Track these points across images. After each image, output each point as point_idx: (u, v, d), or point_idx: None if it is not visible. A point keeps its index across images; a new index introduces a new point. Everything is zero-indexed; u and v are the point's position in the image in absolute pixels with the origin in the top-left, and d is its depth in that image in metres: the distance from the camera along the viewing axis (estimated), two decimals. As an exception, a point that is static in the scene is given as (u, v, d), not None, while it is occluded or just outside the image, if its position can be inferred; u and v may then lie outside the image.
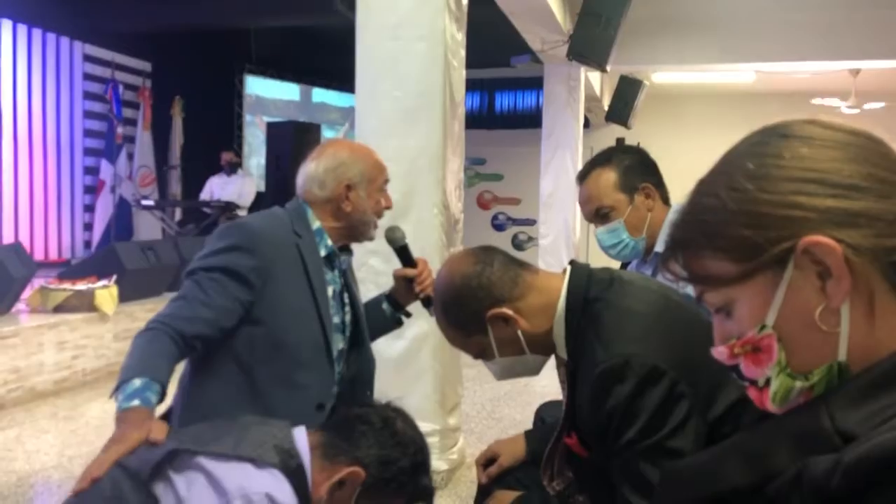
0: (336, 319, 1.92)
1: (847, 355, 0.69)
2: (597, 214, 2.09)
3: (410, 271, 2.04)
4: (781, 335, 0.71)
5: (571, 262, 1.53)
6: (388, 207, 1.99)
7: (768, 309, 0.72)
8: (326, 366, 1.85)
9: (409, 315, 2.17)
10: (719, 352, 0.77)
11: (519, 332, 1.45)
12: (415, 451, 1.44)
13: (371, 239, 2.00)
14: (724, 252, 0.73)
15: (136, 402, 1.49)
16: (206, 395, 1.77)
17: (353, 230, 1.95)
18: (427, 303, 2.04)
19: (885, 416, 0.63)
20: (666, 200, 2.11)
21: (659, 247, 2.04)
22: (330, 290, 1.91)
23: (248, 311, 1.74)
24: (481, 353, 1.52)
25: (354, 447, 1.39)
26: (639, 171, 2.09)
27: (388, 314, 2.12)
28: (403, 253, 2.06)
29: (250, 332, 1.76)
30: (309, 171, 1.93)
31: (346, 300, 1.98)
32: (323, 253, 1.89)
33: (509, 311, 1.44)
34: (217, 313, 1.68)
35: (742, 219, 0.72)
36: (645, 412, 1.28)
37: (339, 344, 1.92)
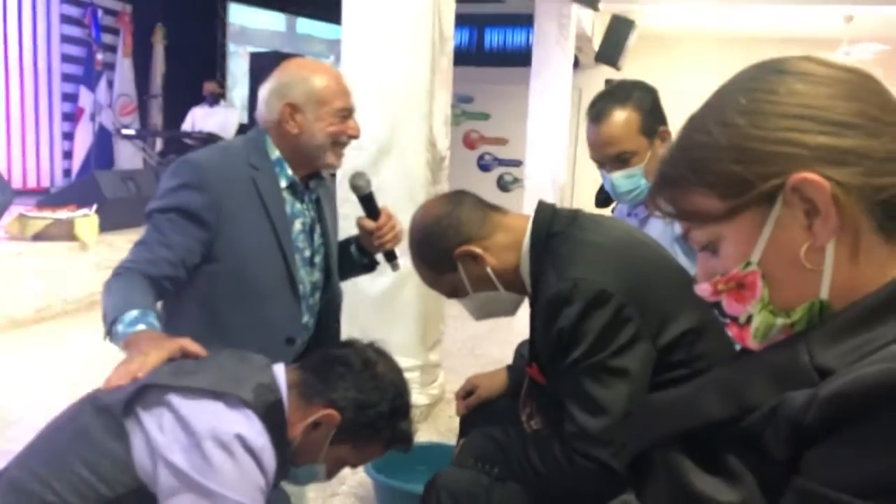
0: (307, 252, 1.88)
1: (829, 293, 0.70)
2: (616, 159, 1.93)
3: (370, 224, 1.92)
4: (765, 272, 0.72)
5: (539, 203, 1.57)
6: (353, 136, 1.84)
7: (754, 246, 0.72)
8: (292, 299, 1.81)
9: (375, 263, 2.08)
10: (702, 288, 0.78)
11: (488, 269, 1.51)
12: (394, 395, 1.41)
13: (331, 168, 1.88)
14: (712, 188, 0.73)
15: (141, 326, 1.45)
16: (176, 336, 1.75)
17: (306, 156, 1.82)
18: (389, 257, 1.97)
19: (863, 353, 0.64)
20: None
21: None
22: (298, 223, 1.85)
23: (207, 250, 1.70)
24: (454, 292, 1.59)
25: (331, 389, 1.37)
26: (657, 112, 1.96)
27: (355, 257, 2.05)
28: (367, 202, 1.93)
29: (212, 270, 1.72)
30: (260, 94, 1.84)
31: (319, 232, 1.92)
32: (284, 184, 1.82)
33: (477, 249, 1.50)
34: (178, 252, 1.65)
35: (732, 154, 0.71)
36: (591, 333, 1.33)
37: (312, 276, 1.89)
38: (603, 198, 5.42)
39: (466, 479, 1.47)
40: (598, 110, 1.95)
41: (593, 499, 1.29)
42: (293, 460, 1.39)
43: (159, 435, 1.22)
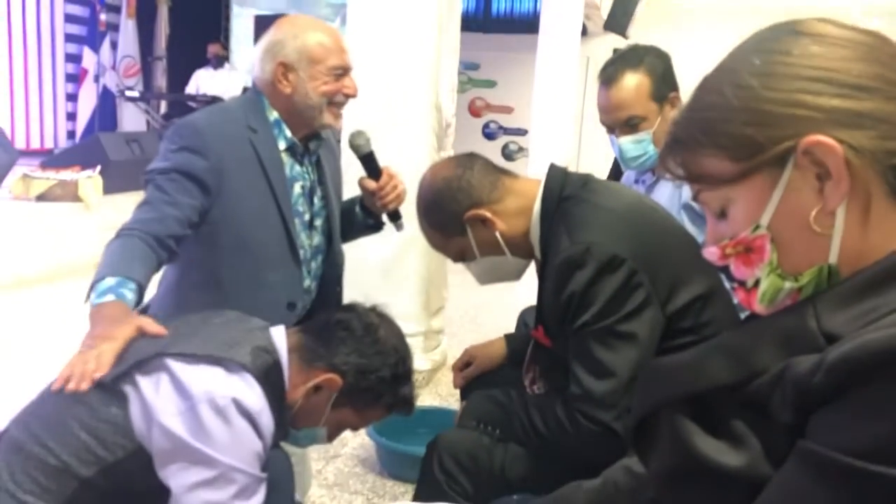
0: (307, 216, 1.85)
1: (838, 258, 0.69)
2: (626, 124, 1.91)
3: (371, 184, 1.86)
4: (774, 236, 0.71)
5: (550, 166, 1.55)
6: (350, 95, 1.79)
7: (764, 209, 0.71)
8: (292, 263, 1.79)
9: (381, 224, 2.01)
10: (710, 252, 0.77)
11: (497, 234, 1.50)
12: (396, 360, 1.40)
13: (328, 128, 1.83)
14: (723, 150, 0.72)
15: (110, 297, 1.41)
16: (178, 303, 1.73)
17: (301, 117, 1.77)
18: (393, 217, 1.92)
19: (870, 318, 0.64)
20: None
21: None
22: (298, 186, 1.82)
23: (207, 212, 1.68)
24: (461, 256, 1.57)
25: (333, 353, 1.36)
26: (669, 78, 1.94)
27: (360, 218, 2.01)
28: (368, 162, 1.87)
29: (212, 233, 1.70)
30: (254, 53, 1.80)
31: (319, 194, 1.89)
32: (283, 146, 1.78)
33: (487, 213, 1.49)
34: (183, 210, 1.62)
35: (745, 116, 0.70)
36: (602, 297, 1.33)
37: (313, 240, 1.87)
38: (615, 172, 5.38)
39: (468, 441, 1.48)
40: (610, 74, 1.93)
41: (594, 462, 1.30)
42: (294, 423, 1.39)
43: (156, 398, 1.22)
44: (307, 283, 1.87)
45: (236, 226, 1.71)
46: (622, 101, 1.90)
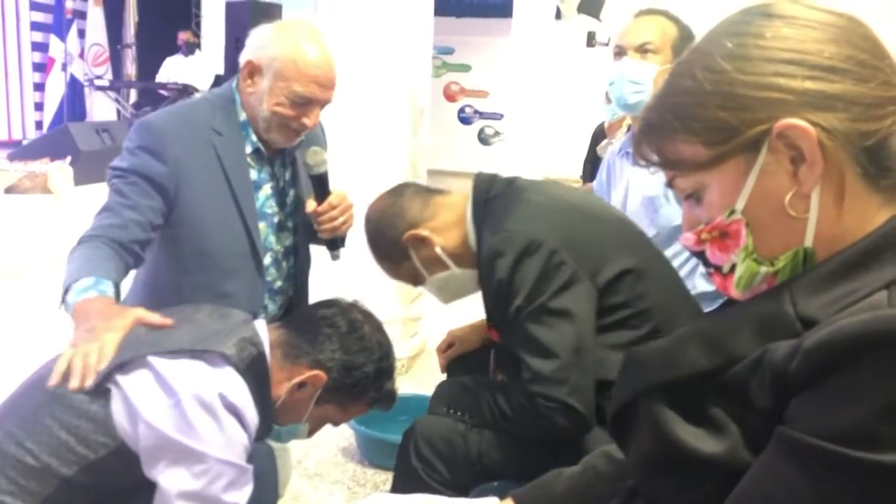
0: (277, 217, 1.78)
1: (813, 241, 0.69)
2: (639, 48, 1.89)
3: (311, 205, 1.71)
4: (750, 220, 0.71)
5: (476, 174, 1.61)
6: (304, 128, 1.66)
7: (739, 194, 0.71)
8: (254, 273, 1.72)
9: (338, 247, 1.79)
10: (686, 238, 0.77)
11: (438, 250, 1.56)
12: (380, 356, 1.41)
13: (276, 144, 1.71)
14: (697, 135, 0.71)
15: (92, 293, 1.38)
16: (146, 306, 1.67)
17: (257, 122, 1.68)
18: (330, 245, 1.77)
19: (846, 303, 0.64)
20: None
21: None
22: (268, 188, 1.76)
23: (169, 215, 1.63)
24: (415, 280, 1.64)
25: (318, 350, 1.36)
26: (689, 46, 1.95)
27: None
28: (316, 182, 1.71)
29: (174, 238, 1.65)
30: (253, 33, 1.71)
31: (293, 195, 1.81)
32: (249, 149, 1.71)
33: (423, 232, 1.55)
34: (144, 213, 1.57)
35: (718, 100, 0.70)
36: (528, 280, 1.38)
37: (284, 241, 1.81)
38: (590, 170, 5.39)
39: (443, 427, 1.49)
40: (645, 11, 1.95)
41: (563, 440, 1.37)
42: (276, 419, 1.39)
43: (139, 396, 1.20)
44: (280, 283, 1.83)
45: (196, 232, 1.65)
46: (646, 29, 1.91)
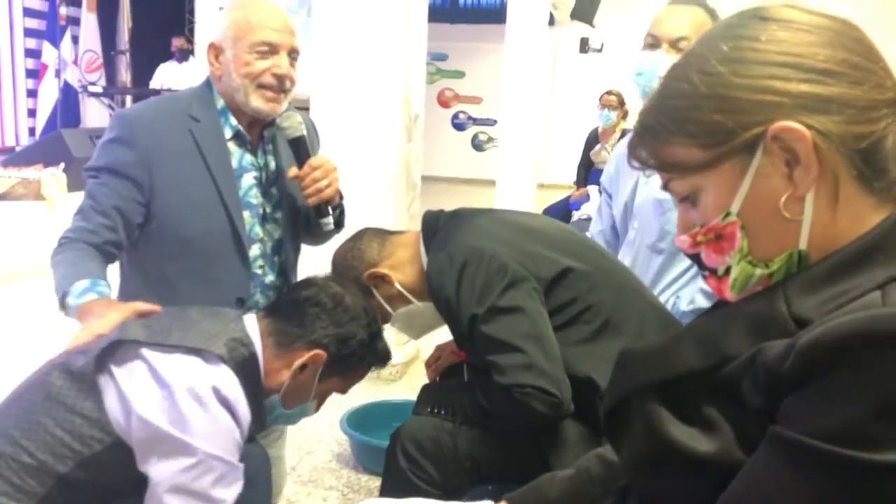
0: (262, 208, 1.76)
1: (808, 243, 0.70)
2: (674, 43, 1.78)
3: (293, 172, 1.70)
4: (745, 223, 0.71)
5: (425, 212, 1.69)
6: (278, 76, 1.63)
7: (734, 197, 0.71)
8: (238, 258, 1.70)
9: (325, 214, 1.75)
10: (681, 240, 0.77)
11: (397, 286, 1.63)
12: (368, 321, 1.45)
13: (262, 114, 1.67)
14: (692, 138, 0.72)
15: (92, 296, 1.42)
16: (133, 300, 1.64)
17: (234, 102, 1.66)
18: (318, 212, 1.73)
19: (840, 302, 0.64)
20: None
21: None
22: (250, 177, 1.73)
23: (146, 208, 1.63)
24: (383, 317, 1.67)
25: (310, 331, 1.39)
26: None
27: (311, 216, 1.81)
28: (295, 146, 1.70)
29: (157, 228, 1.66)
30: None
31: (278, 185, 1.78)
32: (228, 134, 1.69)
33: (382, 270, 1.64)
34: (115, 217, 1.59)
35: (713, 103, 0.70)
36: (473, 287, 1.45)
37: (273, 233, 1.79)
38: (584, 175, 5.39)
39: (429, 426, 1.51)
40: (684, 1, 1.87)
41: (545, 429, 1.41)
42: (284, 404, 1.41)
43: (132, 388, 1.21)
44: (272, 278, 1.81)
45: (178, 220, 1.65)
46: (683, 22, 1.81)
